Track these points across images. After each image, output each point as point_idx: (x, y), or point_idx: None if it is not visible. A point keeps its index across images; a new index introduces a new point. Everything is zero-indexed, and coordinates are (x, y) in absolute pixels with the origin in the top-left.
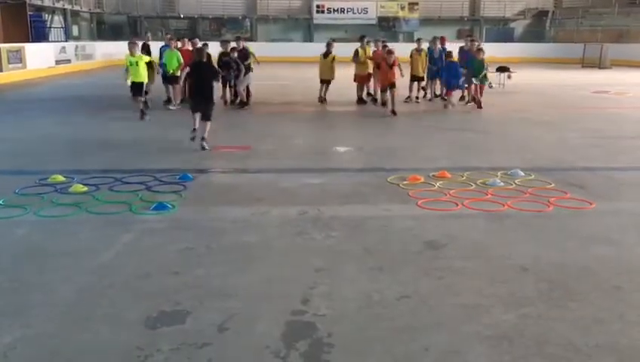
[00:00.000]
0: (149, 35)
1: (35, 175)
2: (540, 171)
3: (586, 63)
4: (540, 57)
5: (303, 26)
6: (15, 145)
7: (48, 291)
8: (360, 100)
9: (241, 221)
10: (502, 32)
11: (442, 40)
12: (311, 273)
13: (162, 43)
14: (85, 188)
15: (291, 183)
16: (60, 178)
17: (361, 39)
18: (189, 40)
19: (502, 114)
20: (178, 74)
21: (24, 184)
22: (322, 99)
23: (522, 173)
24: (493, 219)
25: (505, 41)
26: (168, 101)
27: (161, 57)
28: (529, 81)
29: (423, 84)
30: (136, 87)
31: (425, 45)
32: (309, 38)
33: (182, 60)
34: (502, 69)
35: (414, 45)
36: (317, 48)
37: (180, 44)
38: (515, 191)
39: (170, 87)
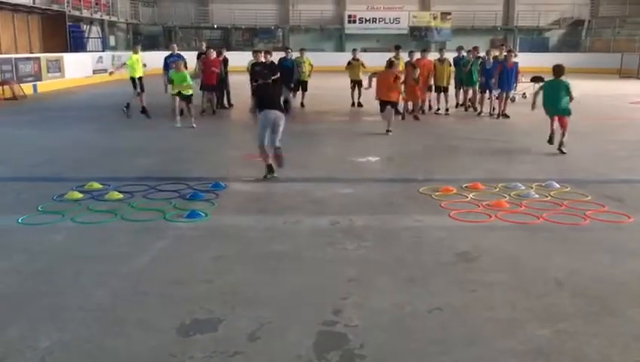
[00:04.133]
0: (174, 45)
1: (72, 182)
2: (575, 183)
3: (623, 73)
4: (575, 67)
5: (334, 36)
6: (53, 153)
7: (84, 296)
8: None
9: (273, 230)
10: (536, 41)
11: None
12: (343, 283)
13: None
14: (121, 196)
15: (323, 193)
16: (97, 185)
17: (396, 49)
18: (208, 48)
19: (535, 124)
20: (190, 92)
21: (62, 191)
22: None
23: (557, 185)
24: (528, 232)
25: (539, 51)
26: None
27: (166, 67)
28: None
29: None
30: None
31: (448, 55)
32: (340, 47)
33: (189, 79)
34: (536, 79)
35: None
36: (348, 58)
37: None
38: (550, 204)
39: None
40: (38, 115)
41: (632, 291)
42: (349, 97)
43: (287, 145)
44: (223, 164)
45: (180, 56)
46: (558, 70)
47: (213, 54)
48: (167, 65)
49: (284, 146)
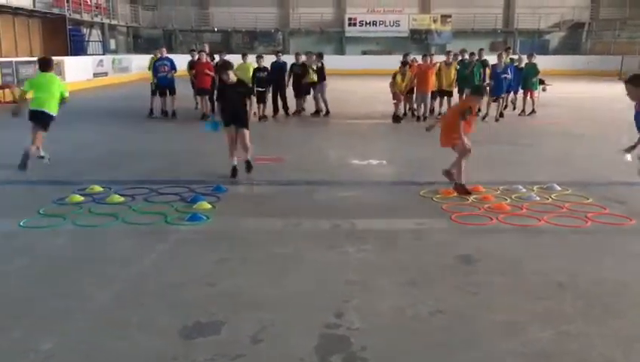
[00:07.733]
0: (162, 48)
1: (73, 185)
2: (577, 186)
3: (623, 76)
4: (575, 70)
5: (334, 38)
6: (54, 156)
7: (85, 299)
8: (395, 117)
9: (275, 233)
10: (536, 44)
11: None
12: (344, 286)
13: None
14: (122, 199)
15: (324, 196)
16: (98, 188)
17: (403, 65)
18: (200, 51)
19: (537, 127)
20: None
21: (62, 194)
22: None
23: (559, 188)
24: (529, 235)
25: (540, 54)
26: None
27: (154, 71)
28: (565, 93)
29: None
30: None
31: (454, 58)
32: (340, 50)
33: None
34: (540, 82)
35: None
36: (348, 61)
37: (196, 57)
38: (551, 206)
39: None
40: None
41: (634, 293)
42: (345, 100)
43: (289, 148)
44: (223, 167)
45: (169, 60)
46: None
47: (205, 57)
48: (155, 69)
49: (286, 148)
